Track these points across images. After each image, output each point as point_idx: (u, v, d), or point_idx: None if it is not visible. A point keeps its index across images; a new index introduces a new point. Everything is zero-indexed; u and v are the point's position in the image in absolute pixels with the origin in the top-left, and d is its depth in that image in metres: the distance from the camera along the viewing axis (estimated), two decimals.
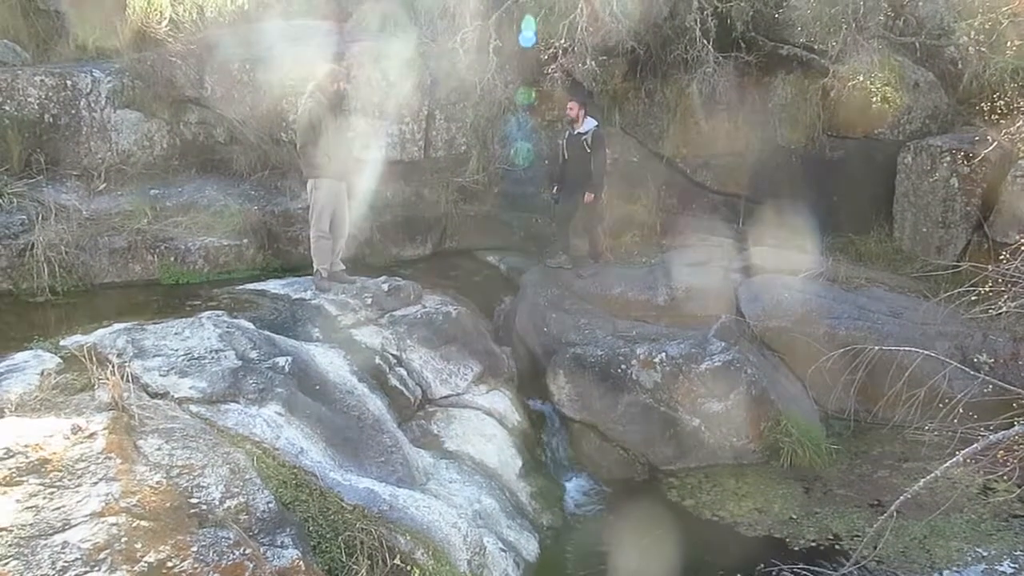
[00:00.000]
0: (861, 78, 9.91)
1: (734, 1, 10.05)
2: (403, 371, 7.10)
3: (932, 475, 5.79)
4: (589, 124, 9.21)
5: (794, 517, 6.91)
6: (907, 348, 7.13)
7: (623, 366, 7.75)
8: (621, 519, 6.93)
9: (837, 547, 6.49)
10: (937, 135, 10.28)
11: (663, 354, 7.77)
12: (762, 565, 6.16)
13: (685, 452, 7.63)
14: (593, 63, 9.81)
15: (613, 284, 9.09)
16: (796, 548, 6.52)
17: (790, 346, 8.42)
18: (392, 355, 7.20)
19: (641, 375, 7.71)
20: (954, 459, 5.75)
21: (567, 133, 9.35)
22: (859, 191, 10.40)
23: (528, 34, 10.05)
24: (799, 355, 8.30)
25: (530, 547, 6.31)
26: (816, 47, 10.44)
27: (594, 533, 6.78)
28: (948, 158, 9.70)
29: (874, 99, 9.89)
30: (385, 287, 7.98)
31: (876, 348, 7.29)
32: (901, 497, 5.82)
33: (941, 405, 6.90)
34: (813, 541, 6.60)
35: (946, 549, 6.32)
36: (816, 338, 8.22)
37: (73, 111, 9.18)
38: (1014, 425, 6.01)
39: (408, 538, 5.12)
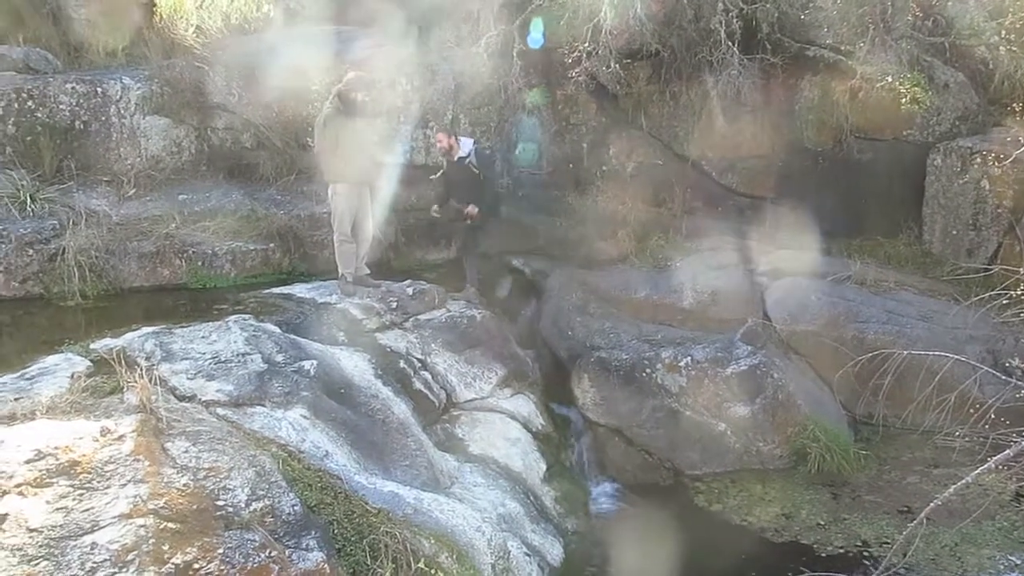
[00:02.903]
0: (889, 79, 9.81)
1: (759, 3, 9.97)
2: (428, 375, 7.12)
3: (963, 481, 5.69)
4: (467, 146, 8.39)
5: (821, 523, 6.84)
6: (937, 352, 7.02)
7: (648, 370, 7.71)
8: (646, 524, 6.89)
9: (866, 554, 6.42)
10: (967, 136, 10.12)
11: (688, 358, 7.73)
12: (789, 572, 6.11)
13: (711, 457, 7.58)
14: (617, 66, 9.80)
15: (638, 287, 9.06)
16: (823, 555, 6.45)
17: (817, 350, 8.33)
18: (417, 359, 7.22)
19: (666, 379, 7.67)
20: (986, 465, 5.65)
21: (445, 163, 8.51)
22: (887, 193, 10.28)
23: (536, 35, 10.04)
24: (826, 359, 8.22)
25: (555, 551, 6.30)
26: (843, 48, 10.34)
27: (619, 538, 6.75)
28: (979, 160, 9.55)
29: (902, 100, 9.78)
30: (410, 291, 8.01)
31: (905, 352, 7.18)
32: (931, 504, 5.73)
33: (972, 410, 6.78)
34: (841, 548, 6.53)
35: (977, 557, 6.23)
36: (844, 342, 8.13)
37: (103, 117, 9.31)
38: None
39: (432, 542, 5.14)
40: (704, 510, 7.17)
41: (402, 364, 7.08)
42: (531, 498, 6.67)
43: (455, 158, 8.31)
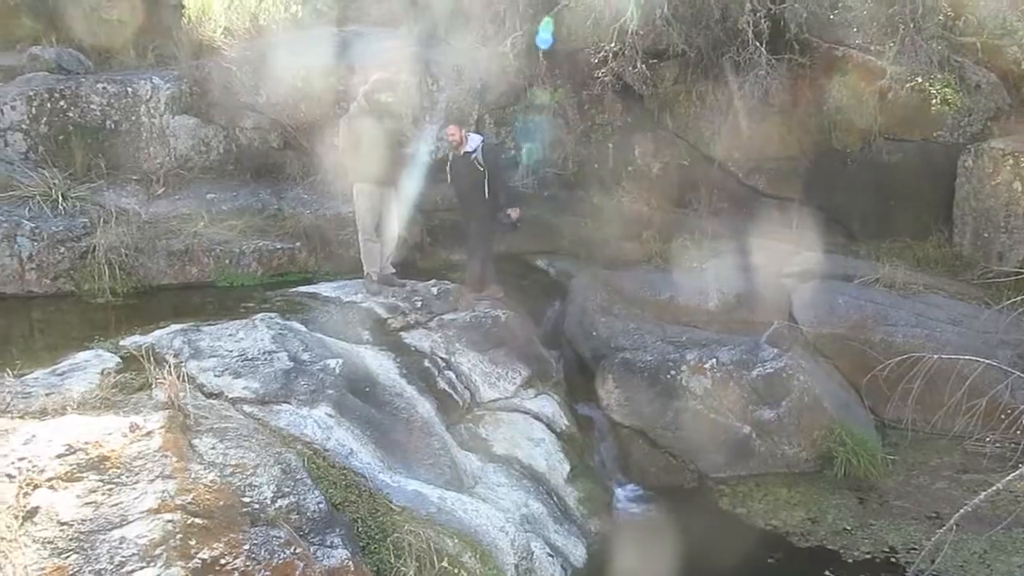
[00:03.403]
0: (919, 79, 9.70)
1: (788, 2, 9.89)
2: (452, 374, 7.12)
3: (994, 488, 5.62)
4: (475, 141, 8.23)
5: (848, 528, 6.77)
6: (967, 357, 6.92)
7: (673, 372, 7.67)
8: (670, 526, 6.85)
9: (893, 560, 6.34)
10: (999, 137, 9.97)
11: (714, 360, 7.68)
12: None
13: (736, 460, 7.52)
14: (643, 66, 9.76)
15: (664, 289, 9.01)
16: (850, 560, 6.38)
17: (845, 353, 8.26)
18: (441, 358, 7.23)
19: (691, 381, 7.63)
20: (1017, 472, 5.58)
21: (451, 156, 8.33)
22: (917, 195, 10.15)
23: (545, 35, 10.01)
24: (854, 362, 8.15)
25: (577, 552, 6.28)
26: (872, 48, 10.23)
27: (642, 540, 6.72)
28: (1011, 161, 9.40)
29: (932, 101, 9.67)
30: (435, 290, 8.04)
31: (935, 356, 7.08)
32: (961, 510, 5.66)
33: (1003, 416, 6.69)
34: (868, 553, 6.45)
35: (1007, 565, 6.13)
36: (872, 345, 8.05)
37: (133, 117, 9.43)
38: None
39: (456, 541, 5.16)
40: (728, 513, 7.11)
41: (426, 363, 7.09)
42: (554, 499, 6.65)
43: (462, 152, 8.19)
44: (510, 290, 8.63)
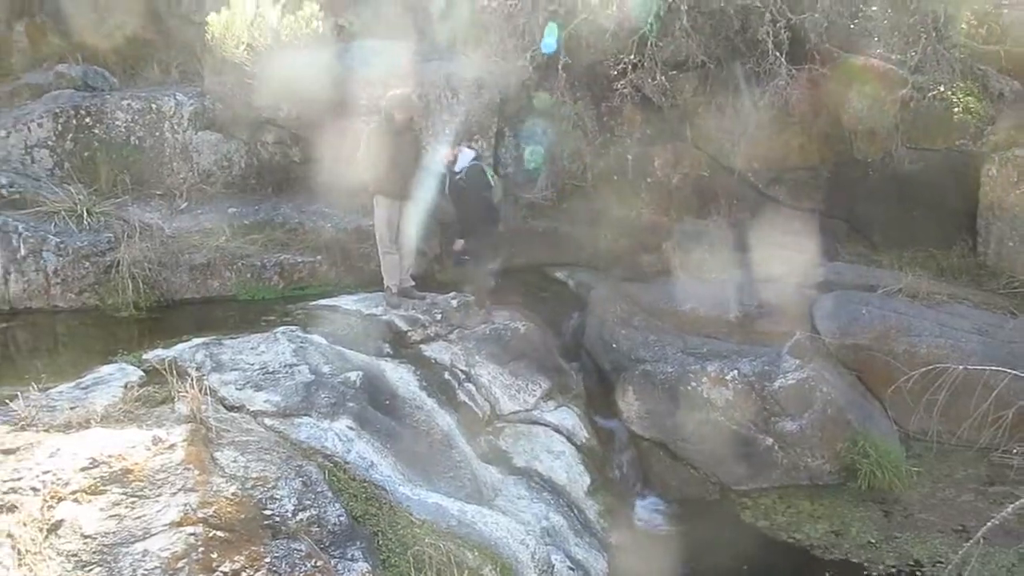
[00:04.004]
0: (941, 88, 9.63)
1: (808, 13, 9.86)
2: (472, 387, 7.14)
3: (1021, 501, 5.53)
4: (464, 159, 8.56)
5: (872, 541, 6.69)
6: (994, 368, 6.83)
7: (693, 383, 7.64)
8: (692, 539, 6.82)
9: (918, 574, 6.26)
10: (1023, 146, 9.86)
11: (735, 371, 7.63)
12: None
13: (758, 472, 7.47)
14: (663, 78, 9.75)
15: (683, 300, 8.97)
16: (875, 574, 6.31)
17: (868, 364, 8.18)
18: (461, 371, 7.24)
19: (712, 393, 7.58)
20: None
21: (448, 173, 8.65)
22: (940, 204, 10.04)
23: (549, 40, 10.00)
24: (877, 374, 8.06)
25: (598, 566, 6.25)
26: (894, 57, 10.16)
27: (664, 553, 6.67)
28: None
29: (955, 109, 9.59)
30: (454, 303, 8.04)
31: (960, 368, 6.99)
32: (989, 523, 5.57)
33: None
34: (893, 567, 6.38)
35: None
36: (895, 356, 7.97)
37: (157, 133, 9.56)
38: None
39: (476, 554, 5.13)
40: (751, 526, 7.06)
41: (446, 376, 7.11)
42: (575, 511, 6.62)
43: (455, 170, 8.52)
44: (530, 302, 8.64)
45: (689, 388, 7.62)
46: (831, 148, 10.44)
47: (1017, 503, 5.53)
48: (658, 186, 10.70)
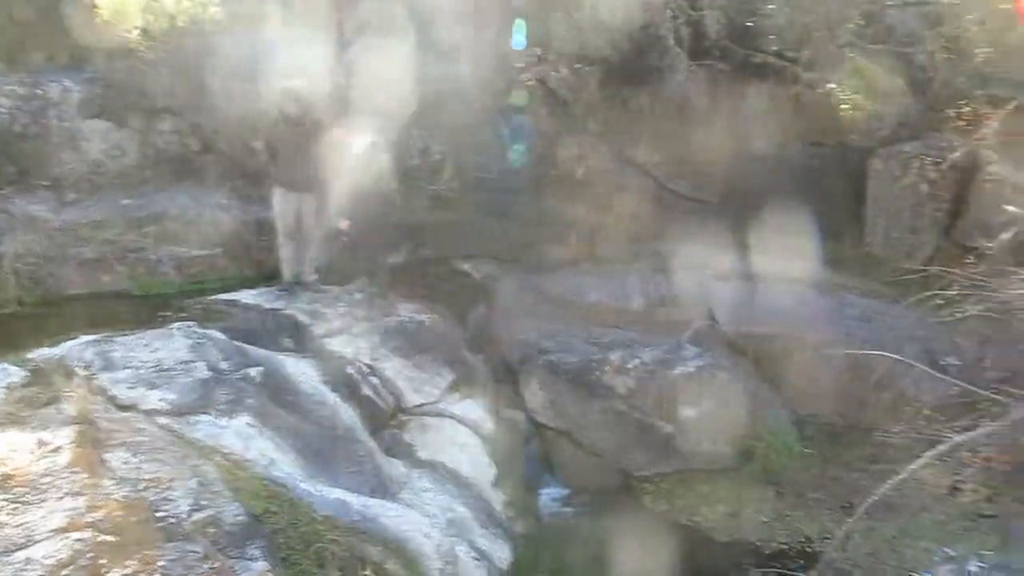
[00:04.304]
0: (832, 86, 10.02)
1: (707, 10, 10.11)
2: (376, 380, 7.09)
3: (899, 477, 5.86)
4: (361, 145, 8.41)
5: (766, 520, 6.98)
6: (877, 352, 7.19)
7: (597, 372, 7.78)
8: (595, 526, 6.96)
9: (808, 550, 6.57)
10: (907, 141, 10.36)
11: (637, 360, 7.81)
12: (735, 569, 6.21)
13: (659, 458, 7.67)
14: (568, 71, 9.85)
15: (588, 291, 9.13)
16: (768, 551, 6.58)
17: (763, 351, 8.48)
18: (365, 364, 7.18)
19: (615, 381, 7.74)
20: (920, 461, 5.82)
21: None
22: (832, 197, 10.42)
23: (519, 37, 10.03)
24: (772, 360, 8.37)
25: (503, 555, 6.33)
26: (789, 55, 10.53)
27: (568, 540, 6.80)
28: (917, 164, 9.80)
29: (845, 106, 10.00)
30: (358, 296, 7.97)
31: (850, 352, 7.34)
32: (869, 499, 5.88)
33: (909, 407, 6.98)
34: (784, 544, 6.67)
35: (915, 550, 6.39)
36: (788, 342, 8.28)
37: (43, 121, 9.06)
38: (978, 427, 6.09)
39: (380, 548, 5.12)
40: (652, 511, 7.26)
41: (350, 370, 7.04)
42: (480, 502, 6.67)
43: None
44: (436, 294, 8.62)
45: (592, 377, 7.77)
46: (730, 143, 10.73)
47: (895, 479, 5.86)
48: (564, 179, 10.82)
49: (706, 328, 8.36)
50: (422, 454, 6.80)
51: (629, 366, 7.76)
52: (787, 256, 9.89)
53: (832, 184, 10.50)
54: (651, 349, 7.99)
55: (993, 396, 6.35)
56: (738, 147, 10.74)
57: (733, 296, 8.95)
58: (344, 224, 8.34)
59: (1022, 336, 7.47)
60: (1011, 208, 8.07)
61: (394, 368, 7.32)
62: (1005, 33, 9.50)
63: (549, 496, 7.44)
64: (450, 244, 9.49)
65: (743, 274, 9.38)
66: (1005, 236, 7.98)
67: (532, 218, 10.05)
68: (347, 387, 6.78)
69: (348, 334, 7.52)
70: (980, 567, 6.26)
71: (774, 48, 10.64)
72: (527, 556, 6.50)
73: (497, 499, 6.86)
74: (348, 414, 6.41)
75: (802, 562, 6.40)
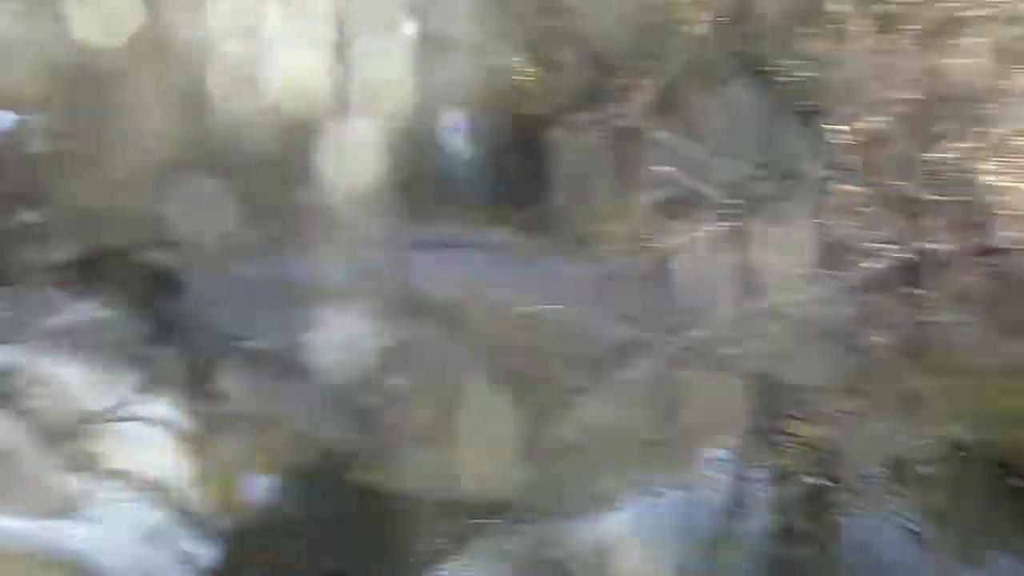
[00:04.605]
0: (512, 60, 10.59)
1: None
2: (46, 389, 6.52)
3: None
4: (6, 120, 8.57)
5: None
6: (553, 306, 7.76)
7: (294, 354, 7.72)
8: (304, 510, 6.92)
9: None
10: (584, 112, 11.15)
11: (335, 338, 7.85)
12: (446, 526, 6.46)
13: (363, 433, 7.76)
14: None
15: (289, 273, 8.99)
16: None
17: (454, 315, 8.91)
18: (33, 373, 6.57)
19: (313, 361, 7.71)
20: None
21: None
22: (519, 168, 11.12)
23: None
24: (465, 323, 8.81)
25: (207, 556, 6.13)
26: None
27: (279, 527, 6.71)
28: (591, 132, 10.64)
29: (525, 79, 10.61)
30: (24, 297, 7.25)
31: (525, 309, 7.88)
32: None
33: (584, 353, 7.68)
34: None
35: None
36: (482, 306, 8.78)
37: None
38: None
39: (59, 572, 4.78)
40: (358, 484, 7.34)
41: (17, 380, 6.42)
42: (180, 505, 6.40)
43: None
44: (118, 288, 8.05)
45: (289, 360, 7.69)
46: None
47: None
48: None
49: (403, 299, 8.58)
50: (111, 463, 6.38)
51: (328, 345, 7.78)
52: (478, 223, 10.43)
53: (519, 154, 11.13)
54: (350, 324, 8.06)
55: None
56: None
57: (429, 266, 9.25)
58: None
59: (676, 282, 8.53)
60: (662, 169, 9.14)
61: (69, 373, 6.77)
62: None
63: (253, 486, 7.28)
64: (131, 233, 8.85)
65: (439, 243, 9.71)
66: (659, 193, 9.04)
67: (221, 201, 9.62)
68: (11, 401, 6.18)
69: (14, 341, 6.84)
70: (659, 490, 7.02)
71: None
72: (234, 552, 6.33)
73: (198, 499, 6.61)
74: (10, 431, 5.84)
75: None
